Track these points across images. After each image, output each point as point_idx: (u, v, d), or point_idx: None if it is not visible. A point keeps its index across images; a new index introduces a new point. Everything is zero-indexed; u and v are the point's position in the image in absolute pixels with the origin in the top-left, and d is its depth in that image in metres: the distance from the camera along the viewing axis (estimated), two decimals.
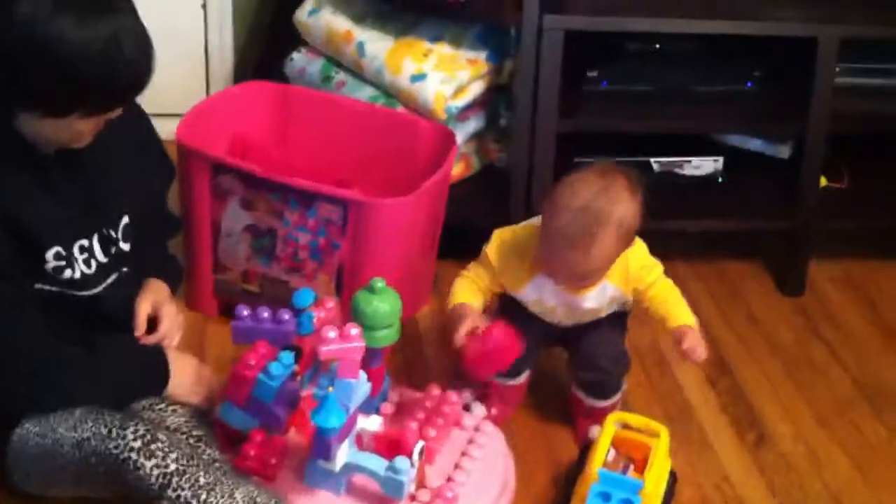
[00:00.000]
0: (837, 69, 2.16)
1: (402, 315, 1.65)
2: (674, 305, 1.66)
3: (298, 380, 1.60)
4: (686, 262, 2.28)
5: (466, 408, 1.77)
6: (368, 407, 1.66)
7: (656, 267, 1.67)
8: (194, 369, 1.60)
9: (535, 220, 1.66)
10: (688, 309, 1.67)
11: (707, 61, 2.21)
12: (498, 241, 1.68)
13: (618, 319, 1.76)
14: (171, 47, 2.23)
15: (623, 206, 1.53)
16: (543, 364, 1.89)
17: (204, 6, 2.37)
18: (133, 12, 1.34)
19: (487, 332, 1.55)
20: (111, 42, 1.29)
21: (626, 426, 1.67)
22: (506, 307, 1.76)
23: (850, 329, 2.16)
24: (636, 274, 1.65)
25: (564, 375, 1.84)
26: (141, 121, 1.63)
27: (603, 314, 1.71)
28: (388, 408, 1.73)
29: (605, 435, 1.62)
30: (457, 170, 2.16)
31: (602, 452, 1.59)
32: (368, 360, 1.64)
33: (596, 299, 1.66)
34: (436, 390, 1.73)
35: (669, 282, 1.68)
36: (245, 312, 1.66)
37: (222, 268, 1.91)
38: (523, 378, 1.82)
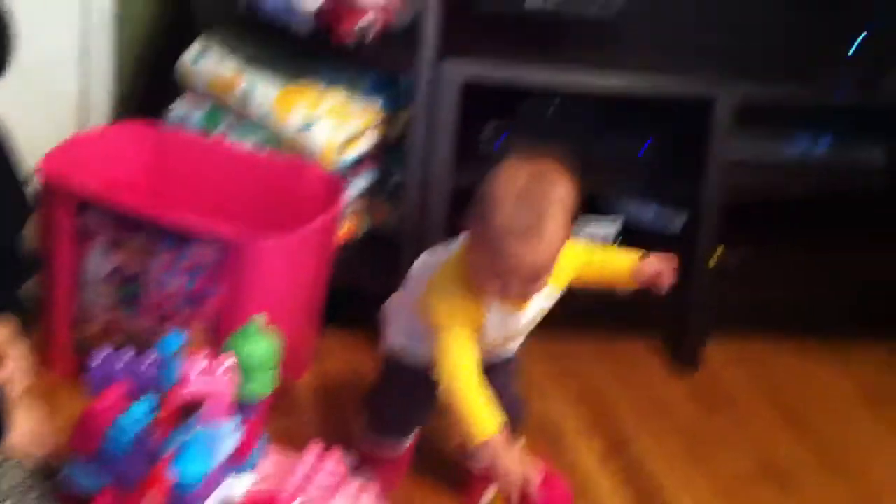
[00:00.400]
0: (732, 138, 2.16)
1: (279, 361, 1.50)
2: (612, 259, 1.58)
3: (158, 434, 1.43)
4: (582, 338, 2.22)
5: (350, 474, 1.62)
6: (239, 468, 1.51)
7: (575, 245, 1.55)
8: (38, 420, 1.42)
9: (445, 254, 1.55)
10: (622, 252, 1.60)
11: (606, 123, 2.19)
12: (436, 300, 1.49)
13: (511, 364, 1.65)
14: (45, 100, 2.13)
15: (562, 185, 1.42)
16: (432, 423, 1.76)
17: (81, 57, 2.24)
18: None
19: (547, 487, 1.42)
20: None
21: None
22: (394, 369, 1.64)
23: (747, 407, 2.10)
24: (566, 263, 1.51)
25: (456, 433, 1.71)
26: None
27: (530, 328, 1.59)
28: (262, 469, 1.55)
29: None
30: (344, 228, 2.05)
31: None
32: (241, 412, 1.49)
33: (534, 308, 1.53)
34: (317, 448, 1.57)
35: (591, 247, 1.60)
36: (103, 355, 1.50)
37: (82, 320, 1.74)
38: (410, 440, 1.68)
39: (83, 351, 1.72)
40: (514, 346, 1.64)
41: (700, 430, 1.99)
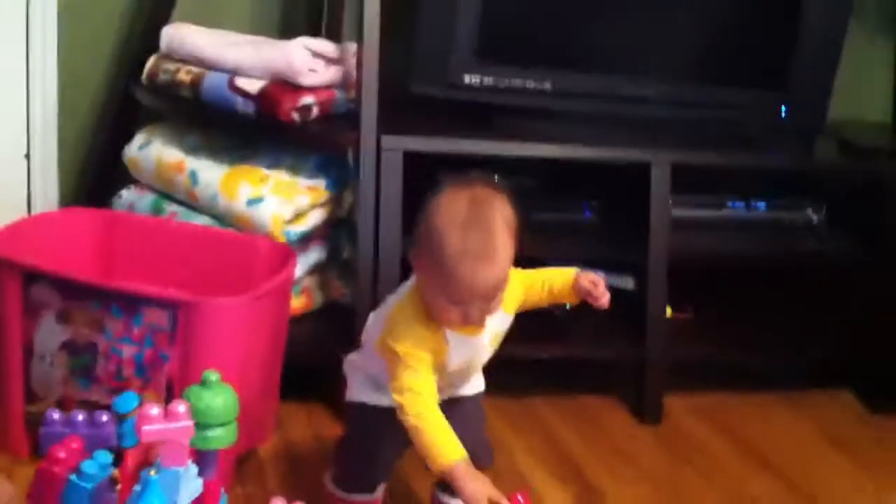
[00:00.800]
0: (672, 202, 2.23)
1: (238, 415, 1.48)
2: (554, 277, 1.60)
3: (118, 490, 1.41)
4: (545, 399, 2.22)
5: None
6: None
7: (516, 273, 1.57)
8: None
9: (396, 298, 1.56)
10: (559, 270, 1.63)
11: (545, 191, 2.24)
12: (395, 334, 1.49)
13: (476, 404, 1.65)
14: None
15: (498, 204, 1.47)
16: (400, 473, 1.74)
17: (27, 156, 2.28)
18: None
19: None
20: None
21: None
22: (358, 419, 1.63)
23: (714, 453, 2.09)
24: (513, 290, 1.55)
25: (426, 481, 1.69)
26: None
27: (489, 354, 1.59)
28: None
29: None
30: (298, 303, 2.06)
31: None
32: (202, 466, 1.46)
33: (490, 331, 1.54)
34: (280, 502, 1.54)
35: (530, 271, 1.62)
36: (55, 416, 1.49)
37: (35, 397, 1.71)
38: (379, 493, 1.65)
39: (36, 428, 1.69)
40: (476, 376, 1.64)
41: (668, 476, 1.98)
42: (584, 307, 2.28)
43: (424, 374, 1.47)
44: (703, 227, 2.36)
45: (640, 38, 2.29)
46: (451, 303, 1.45)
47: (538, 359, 2.22)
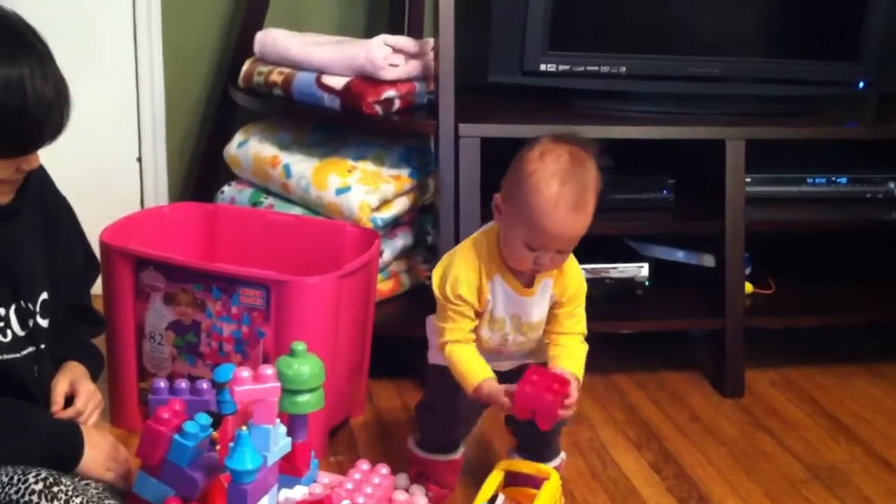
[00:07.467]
0: (749, 179, 2.28)
1: (324, 381, 1.62)
2: (569, 352, 1.65)
3: (217, 450, 1.55)
4: (624, 372, 2.30)
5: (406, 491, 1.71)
6: (295, 481, 1.62)
7: (582, 293, 1.67)
8: (110, 446, 1.54)
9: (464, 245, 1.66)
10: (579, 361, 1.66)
11: (622, 172, 2.30)
12: (440, 274, 1.64)
13: None
14: (107, 201, 2.35)
15: (591, 164, 1.57)
16: (480, 438, 1.85)
17: (139, 159, 2.47)
18: (50, 56, 1.38)
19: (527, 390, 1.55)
20: (22, 81, 1.31)
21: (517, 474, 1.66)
22: (436, 381, 1.73)
23: (794, 422, 2.14)
24: (569, 280, 1.65)
25: (504, 447, 1.79)
26: (66, 212, 1.65)
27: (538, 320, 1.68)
28: (315, 488, 1.65)
29: (492, 477, 1.61)
30: (386, 286, 2.19)
31: (488, 491, 1.58)
32: (293, 431, 1.60)
33: (540, 303, 1.64)
34: (365, 464, 1.67)
35: (580, 340, 1.68)
36: (161, 384, 1.65)
37: (147, 374, 1.88)
38: (460, 453, 1.76)
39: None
40: (530, 346, 1.71)
41: (748, 443, 2.04)
42: (665, 284, 2.37)
43: (461, 323, 1.61)
44: (782, 203, 2.40)
45: (711, 16, 2.35)
46: (529, 248, 1.56)
47: (620, 334, 2.30)
